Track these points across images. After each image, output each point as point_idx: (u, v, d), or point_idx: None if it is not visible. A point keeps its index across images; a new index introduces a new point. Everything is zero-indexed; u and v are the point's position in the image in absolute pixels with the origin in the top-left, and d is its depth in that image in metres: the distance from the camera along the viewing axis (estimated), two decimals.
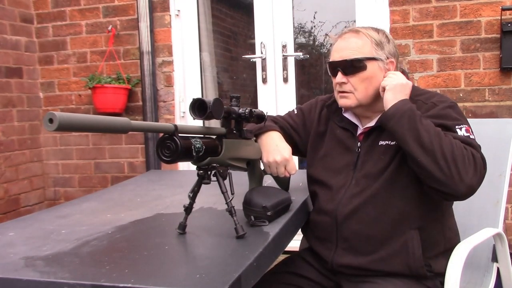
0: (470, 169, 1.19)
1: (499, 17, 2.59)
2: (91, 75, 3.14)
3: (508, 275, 1.51)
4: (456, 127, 1.28)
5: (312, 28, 3.64)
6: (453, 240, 1.40)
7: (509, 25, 2.55)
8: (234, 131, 1.26)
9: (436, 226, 1.36)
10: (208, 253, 1.08)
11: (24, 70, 3.30)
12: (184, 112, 3.17)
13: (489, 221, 1.55)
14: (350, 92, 1.38)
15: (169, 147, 1.00)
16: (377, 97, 1.38)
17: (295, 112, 1.60)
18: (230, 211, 1.12)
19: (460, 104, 2.68)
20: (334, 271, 1.41)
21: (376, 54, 1.37)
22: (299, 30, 3.59)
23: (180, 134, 1.01)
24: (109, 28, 3.19)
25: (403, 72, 1.47)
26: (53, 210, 1.54)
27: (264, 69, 3.05)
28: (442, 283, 1.34)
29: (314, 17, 3.59)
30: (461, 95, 2.70)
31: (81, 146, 3.37)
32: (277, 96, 3.06)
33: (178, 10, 3.15)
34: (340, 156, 1.44)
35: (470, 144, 1.25)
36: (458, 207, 1.43)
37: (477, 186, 1.22)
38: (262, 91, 3.09)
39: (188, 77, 3.21)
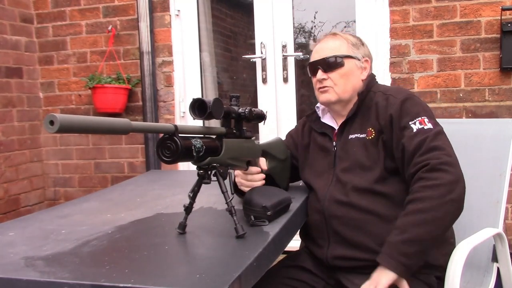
0: (444, 191, 1.20)
1: (499, 17, 2.59)
2: (91, 75, 3.14)
3: (508, 275, 1.51)
4: (410, 123, 1.33)
5: (312, 28, 3.64)
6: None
7: (509, 25, 2.55)
8: (234, 131, 1.26)
9: None
10: (208, 253, 1.08)
11: (24, 70, 3.30)
12: (184, 112, 3.17)
13: (489, 221, 1.55)
14: (330, 86, 1.48)
15: (169, 147, 1.00)
16: (353, 95, 1.48)
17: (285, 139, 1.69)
18: (230, 211, 1.12)
19: (460, 104, 2.68)
20: (331, 268, 1.44)
21: (352, 53, 1.50)
22: (299, 30, 3.58)
23: (180, 134, 1.01)
24: (109, 28, 3.19)
25: (373, 76, 1.54)
26: (53, 210, 1.54)
27: (264, 69, 3.05)
28: (437, 277, 1.34)
29: (315, 17, 3.59)
30: (461, 95, 2.70)
31: (81, 146, 3.37)
32: (277, 96, 3.06)
33: (178, 10, 3.15)
34: (322, 159, 1.53)
35: (433, 149, 1.26)
36: None
37: (459, 169, 1.25)
38: (262, 91, 3.09)
39: (188, 77, 3.21)
